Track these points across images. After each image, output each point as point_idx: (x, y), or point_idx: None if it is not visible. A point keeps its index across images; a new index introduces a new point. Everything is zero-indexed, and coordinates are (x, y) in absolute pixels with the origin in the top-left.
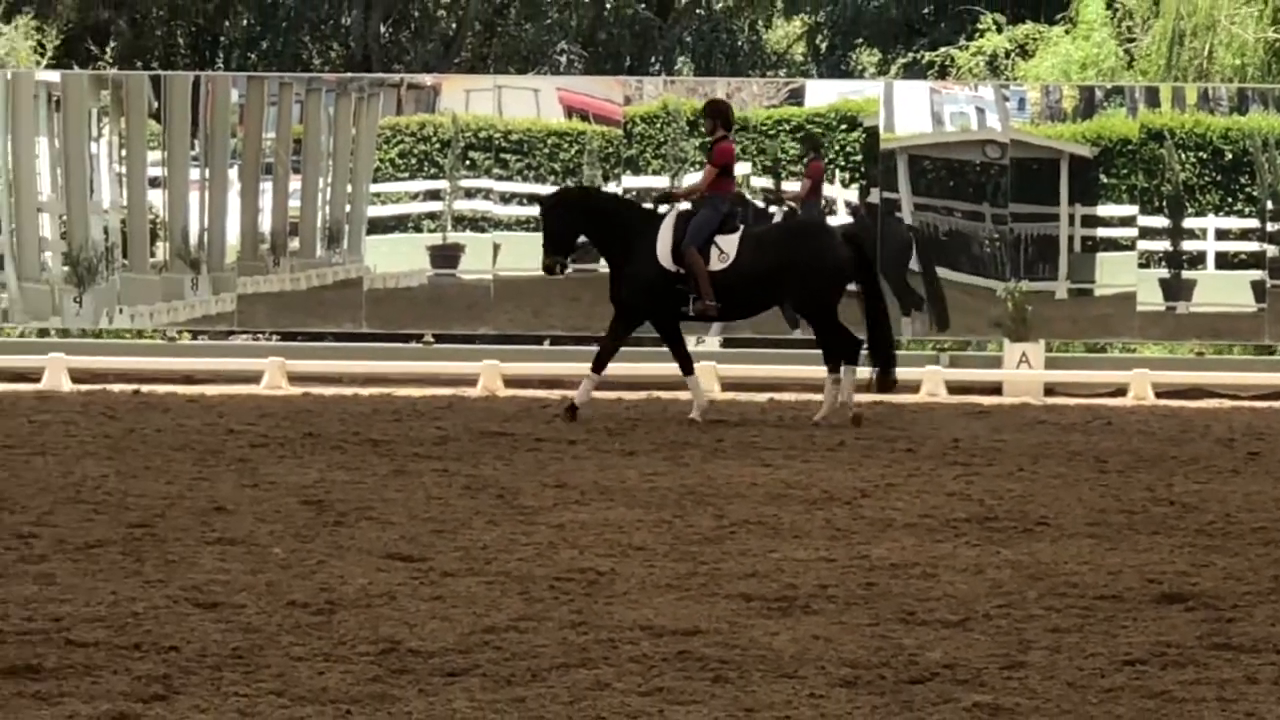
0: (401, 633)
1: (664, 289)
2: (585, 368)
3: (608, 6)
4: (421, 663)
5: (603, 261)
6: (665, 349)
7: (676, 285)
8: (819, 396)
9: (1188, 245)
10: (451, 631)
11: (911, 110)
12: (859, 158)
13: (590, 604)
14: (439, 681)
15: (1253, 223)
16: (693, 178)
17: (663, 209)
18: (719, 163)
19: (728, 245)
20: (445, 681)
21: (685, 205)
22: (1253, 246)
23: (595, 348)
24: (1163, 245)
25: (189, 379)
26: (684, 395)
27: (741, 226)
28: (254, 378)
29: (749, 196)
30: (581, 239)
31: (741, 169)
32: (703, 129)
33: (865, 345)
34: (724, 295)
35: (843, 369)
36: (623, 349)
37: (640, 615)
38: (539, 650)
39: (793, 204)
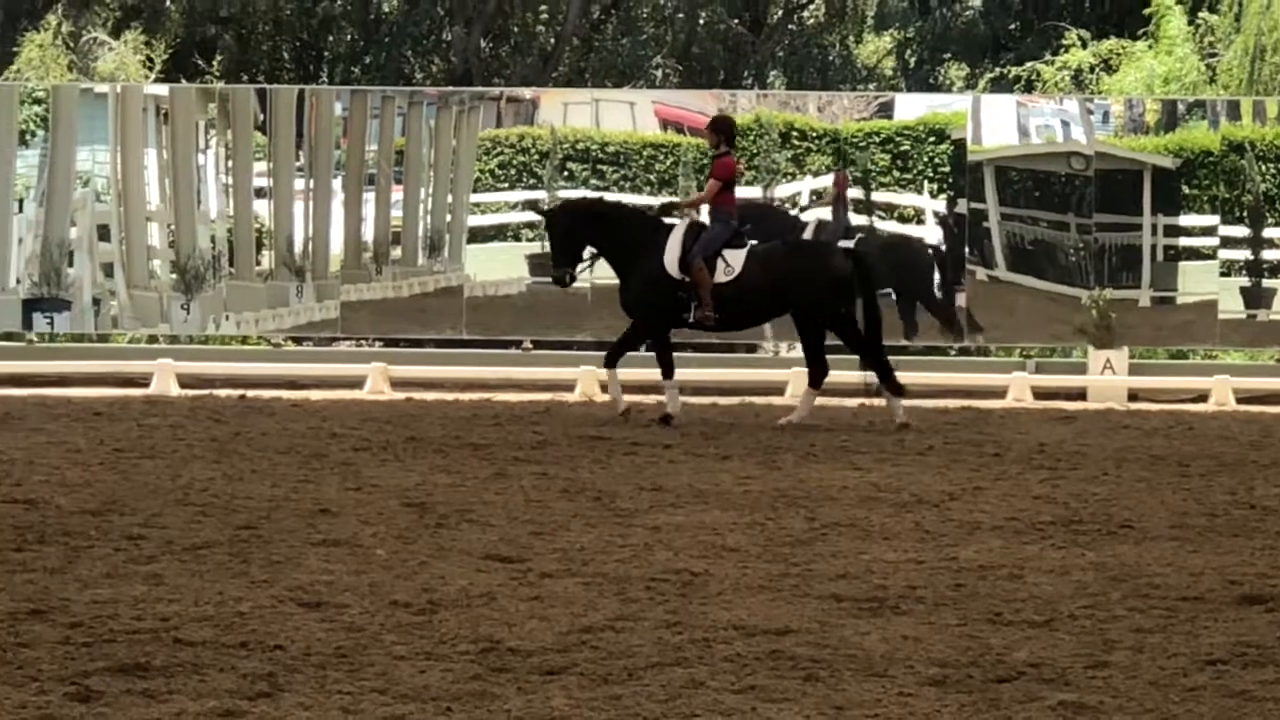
0: (501, 632)
1: (668, 296)
2: (689, 375)
3: (702, 22)
4: (520, 661)
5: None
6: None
7: (679, 293)
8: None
9: (1268, 254)
10: (550, 631)
11: (998, 123)
12: (947, 169)
13: (685, 604)
14: (537, 680)
15: None
16: (790, 187)
17: (668, 220)
18: (721, 176)
19: (735, 260)
20: (543, 680)
21: (698, 216)
22: None
23: (690, 354)
24: (1243, 254)
25: (293, 384)
26: (777, 401)
27: (749, 243)
28: (357, 383)
29: (788, 206)
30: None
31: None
32: (707, 144)
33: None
34: (726, 307)
35: (880, 383)
36: (714, 356)
37: (733, 615)
38: (635, 649)
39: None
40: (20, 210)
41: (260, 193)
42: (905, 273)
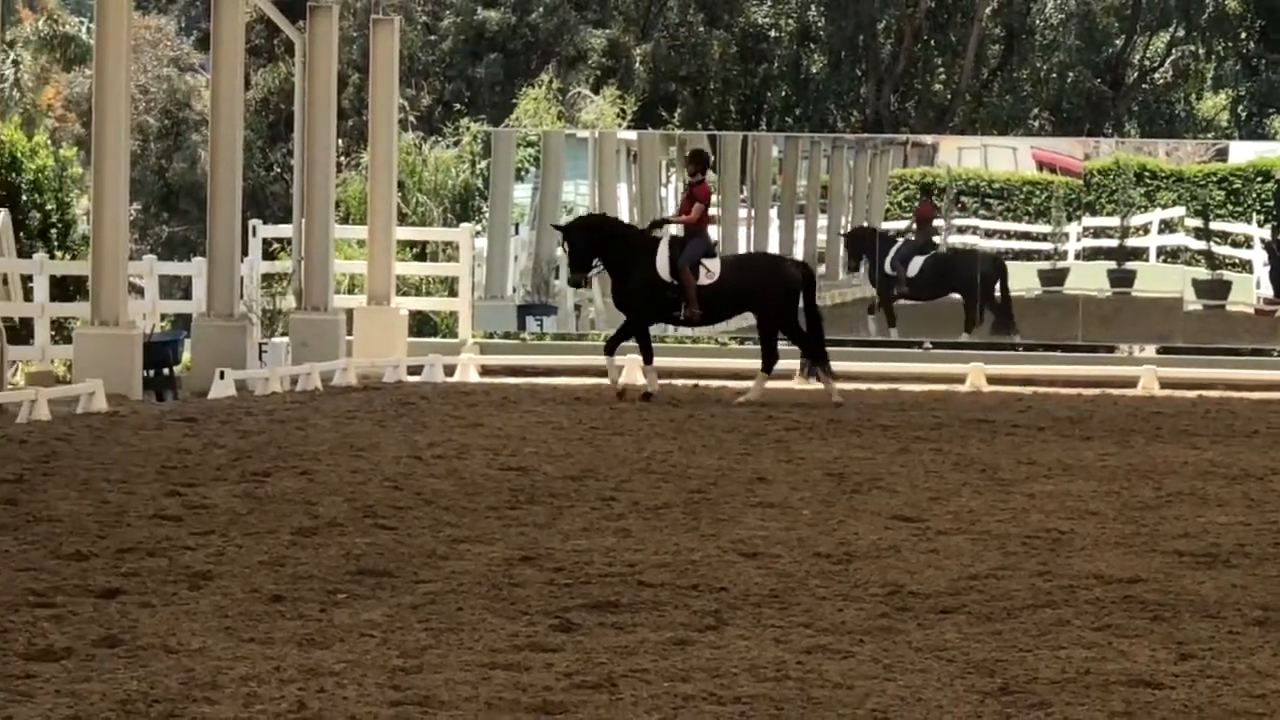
0: (904, 578)
1: (660, 296)
2: (1056, 370)
3: (1070, 81)
4: (920, 602)
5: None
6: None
7: (669, 294)
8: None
9: None
10: (943, 578)
11: None
12: (1271, 203)
13: (1054, 557)
14: (933, 617)
15: None
16: (1142, 218)
17: (656, 233)
18: (704, 200)
19: (714, 266)
20: (938, 617)
21: (675, 231)
22: None
23: (1063, 353)
24: None
25: (737, 376)
26: (1130, 392)
27: (719, 253)
28: (788, 375)
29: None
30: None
31: (1176, 212)
32: (687, 172)
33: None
34: (707, 305)
35: (812, 369)
36: (1062, 354)
37: (1093, 567)
38: (1013, 593)
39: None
40: (517, 233)
41: (711, 220)
42: (964, 280)
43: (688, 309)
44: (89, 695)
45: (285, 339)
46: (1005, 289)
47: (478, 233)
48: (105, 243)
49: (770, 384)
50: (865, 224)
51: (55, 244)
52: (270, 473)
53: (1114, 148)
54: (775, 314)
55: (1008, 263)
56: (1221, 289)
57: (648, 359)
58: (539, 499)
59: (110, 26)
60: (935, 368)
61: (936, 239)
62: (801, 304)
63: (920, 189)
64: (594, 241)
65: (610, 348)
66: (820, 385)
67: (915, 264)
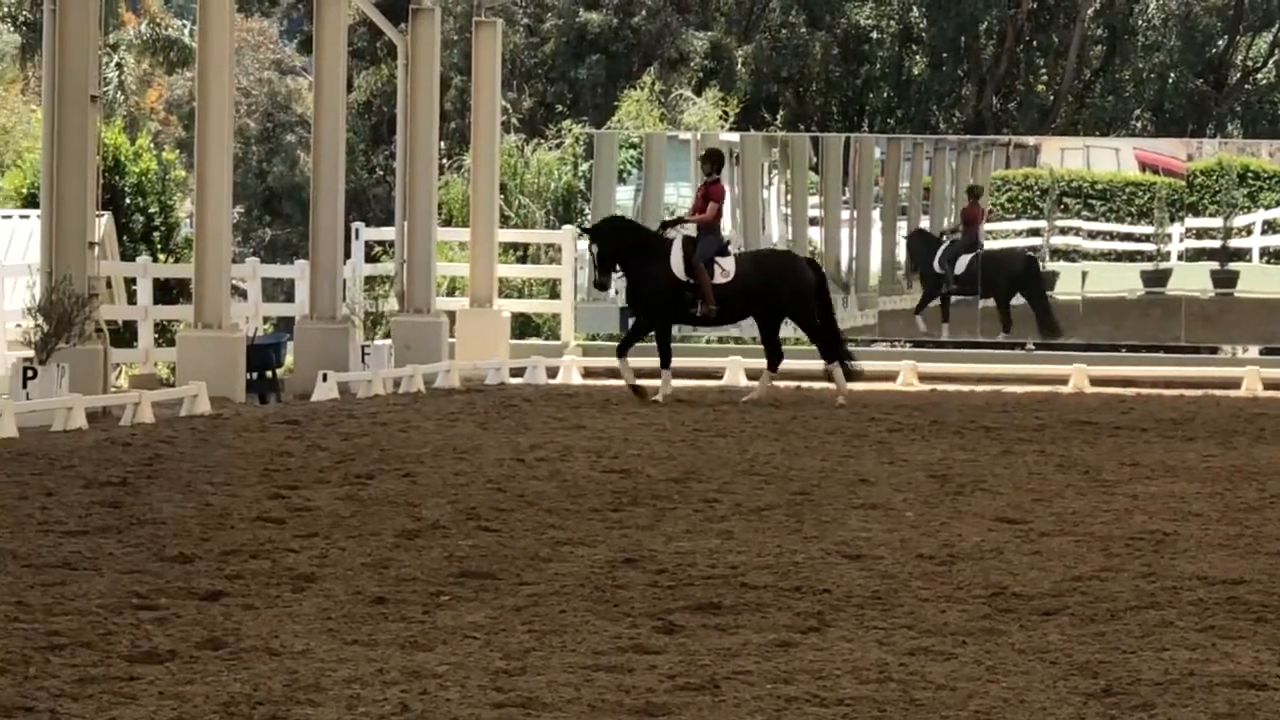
0: (1007, 580)
1: (677, 295)
2: (1159, 371)
3: (1172, 82)
4: (1023, 604)
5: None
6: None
7: (685, 293)
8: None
9: None
10: (1047, 579)
11: None
12: None
13: (1157, 559)
14: (1036, 619)
15: None
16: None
17: (669, 233)
18: (718, 199)
19: (728, 265)
20: (1041, 619)
21: (690, 231)
22: None
23: (1166, 355)
24: None
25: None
26: (1233, 393)
27: (733, 251)
28: (891, 376)
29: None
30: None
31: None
32: (703, 171)
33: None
34: (722, 304)
35: (828, 366)
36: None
37: (1197, 568)
38: (1116, 595)
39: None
40: None
41: (814, 221)
42: (1003, 278)
43: (704, 306)
44: (192, 697)
45: (388, 341)
46: (1039, 289)
47: (580, 235)
48: (208, 245)
49: (871, 386)
50: (921, 227)
51: (158, 247)
52: (373, 475)
53: (1217, 148)
54: (789, 313)
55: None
56: None
57: (665, 362)
58: (642, 501)
59: (213, 29)
60: (1038, 369)
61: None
62: (816, 304)
63: (967, 192)
64: (618, 244)
65: (622, 350)
66: (831, 385)
67: (961, 263)
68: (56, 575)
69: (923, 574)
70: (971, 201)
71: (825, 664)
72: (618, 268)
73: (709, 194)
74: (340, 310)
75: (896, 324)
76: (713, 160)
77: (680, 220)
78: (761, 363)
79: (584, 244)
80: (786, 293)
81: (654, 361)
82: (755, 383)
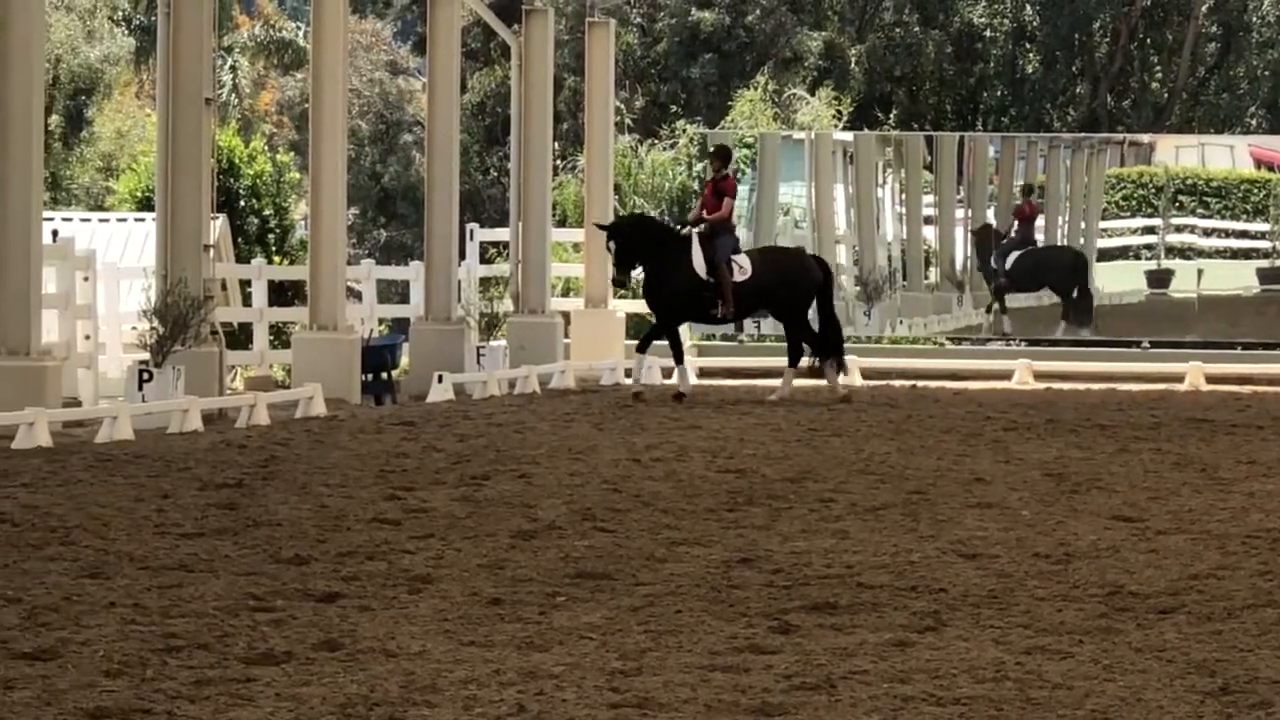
0: (1123, 578)
1: (697, 295)
2: (1276, 369)
3: None
4: (1139, 602)
5: None
6: None
7: (705, 293)
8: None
9: None
10: (1163, 578)
11: None
12: None
13: (1275, 556)
14: (1153, 618)
15: None
16: None
17: (684, 231)
18: (734, 195)
19: (745, 263)
20: (1158, 618)
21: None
22: None
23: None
24: None
25: (954, 376)
26: None
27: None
28: (1006, 375)
29: None
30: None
31: None
32: (713, 168)
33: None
34: (740, 302)
35: (822, 363)
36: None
37: None
38: (1233, 593)
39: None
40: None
41: (928, 220)
42: (1050, 273)
43: (724, 307)
44: (309, 699)
45: (503, 342)
46: (1085, 285)
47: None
48: (323, 247)
49: (986, 385)
50: (987, 222)
51: (273, 249)
52: (489, 476)
53: None
54: (794, 310)
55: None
56: None
57: (679, 359)
58: (757, 501)
59: (327, 31)
60: (1153, 367)
61: (1038, 237)
62: (817, 301)
63: (1021, 189)
64: (639, 242)
65: (642, 347)
66: (824, 381)
67: (1011, 258)
68: (173, 577)
69: (1039, 573)
70: (1024, 199)
71: (941, 663)
72: (637, 265)
73: (720, 189)
74: (455, 311)
75: (1012, 322)
76: (721, 156)
77: (702, 220)
78: (877, 361)
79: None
80: (801, 290)
81: (769, 361)
82: (853, 382)
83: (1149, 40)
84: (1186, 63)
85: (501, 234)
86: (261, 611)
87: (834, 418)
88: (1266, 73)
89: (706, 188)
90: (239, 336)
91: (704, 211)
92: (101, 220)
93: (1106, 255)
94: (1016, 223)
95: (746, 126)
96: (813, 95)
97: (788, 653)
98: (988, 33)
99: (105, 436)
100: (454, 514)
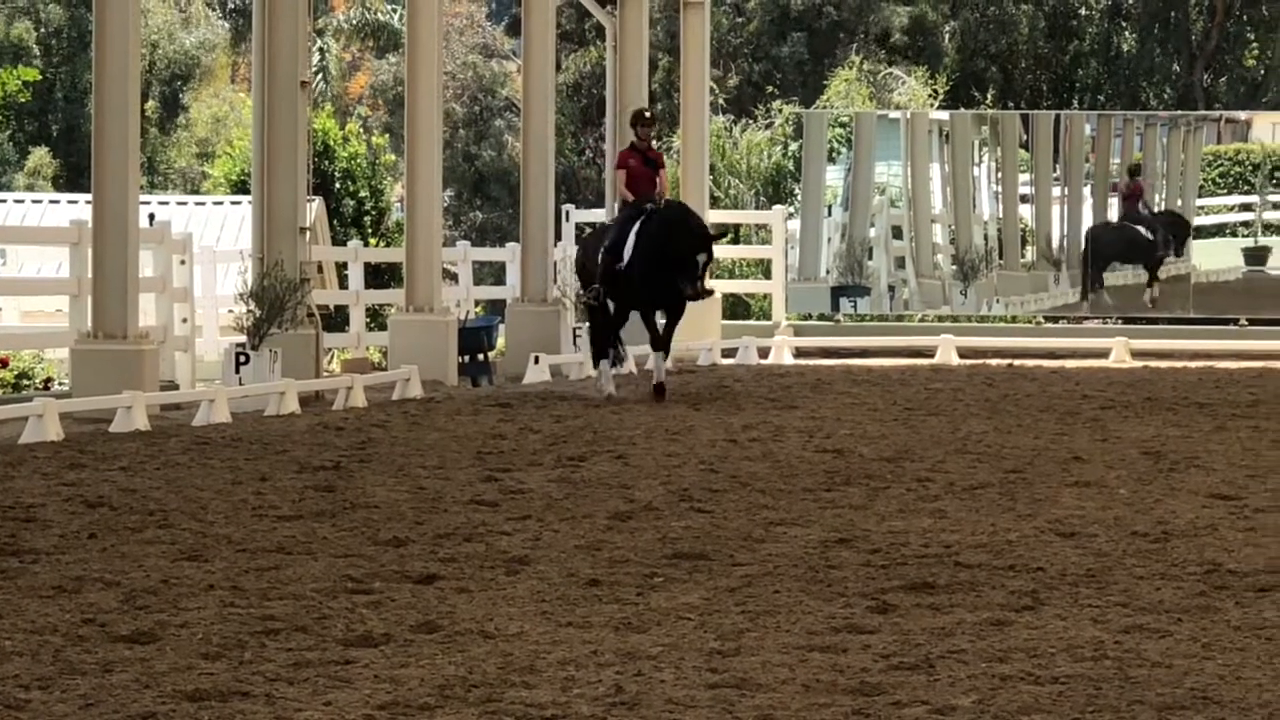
0: (1222, 557)
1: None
2: None
3: None
4: (1238, 581)
5: None
6: None
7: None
8: None
9: None
10: (1262, 556)
11: None
12: None
13: None
14: (1251, 596)
15: None
16: None
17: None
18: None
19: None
20: (1257, 595)
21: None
22: None
23: None
24: None
25: (1051, 354)
26: None
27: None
28: (1103, 353)
29: None
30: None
31: None
32: (643, 135)
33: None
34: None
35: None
36: None
37: None
38: None
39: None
40: (829, 214)
41: (1024, 199)
42: (1134, 250)
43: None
44: (407, 680)
45: None
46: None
47: (790, 215)
48: (419, 229)
49: (1083, 363)
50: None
51: (369, 231)
52: (586, 457)
53: None
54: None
55: None
56: None
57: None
58: (854, 480)
59: (422, 13)
60: (1251, 344)
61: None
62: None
63: (1128, 169)
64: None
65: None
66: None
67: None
68: (271, 560)
69: (1137, 551)
70: (1130, 179)
71: (1040, 642)
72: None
73: (651, 160)
74: (551, 293)
75: (1108, 300)
76: (649, 122)
77: (653, 201)
78: (974, 340)
79: (795, 224)
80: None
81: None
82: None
83: (1245, 17)
84: None
85: (597, 215)
86: (359, 593)
87: (930, 396)
88: None
89: (630, 159)
90: (335, 319)
91: (638, 189)
92: (198, 204)
93: (1203, 232)
94: (1122, 201)
95: (842, 106)
96: (908, 75)
97: (885, 632)
98: (1082, 10)
99: (202, 419)
100: (551, 495)
